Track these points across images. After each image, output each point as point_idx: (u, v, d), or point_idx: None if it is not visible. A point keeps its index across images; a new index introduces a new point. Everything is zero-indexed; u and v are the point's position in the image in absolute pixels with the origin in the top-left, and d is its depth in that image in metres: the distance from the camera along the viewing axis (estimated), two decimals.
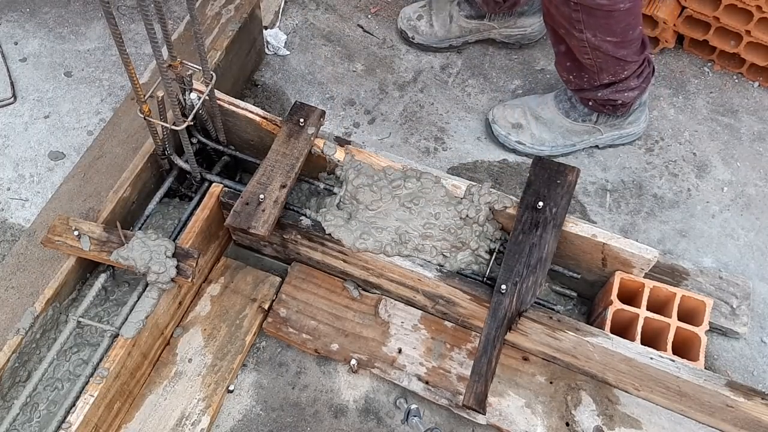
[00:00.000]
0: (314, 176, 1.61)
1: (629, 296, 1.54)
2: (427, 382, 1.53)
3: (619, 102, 1.77)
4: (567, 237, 1.48)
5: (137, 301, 1.42)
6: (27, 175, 1.85)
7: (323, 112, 1.56)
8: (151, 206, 1.61)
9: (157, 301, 1.41)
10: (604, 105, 1.79)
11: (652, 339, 1.49)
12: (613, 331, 1.46)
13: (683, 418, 1.49)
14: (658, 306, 1.53)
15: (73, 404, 1.33)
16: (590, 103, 1.81)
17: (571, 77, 1.76)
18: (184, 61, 1.41)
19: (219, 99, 1.56)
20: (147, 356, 1.48)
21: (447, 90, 2.07)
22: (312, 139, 1.52)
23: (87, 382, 1.34)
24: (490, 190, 1.50)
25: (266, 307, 1.62)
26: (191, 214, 1.58)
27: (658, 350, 1.38)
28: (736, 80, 2.10)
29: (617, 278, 1.50)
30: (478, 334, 1.59)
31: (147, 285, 1.43)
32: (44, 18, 2.15)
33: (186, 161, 1.57)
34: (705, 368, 1.45)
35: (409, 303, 1.62)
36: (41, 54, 2.07)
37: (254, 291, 1.64)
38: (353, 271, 1.59)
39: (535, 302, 1.42)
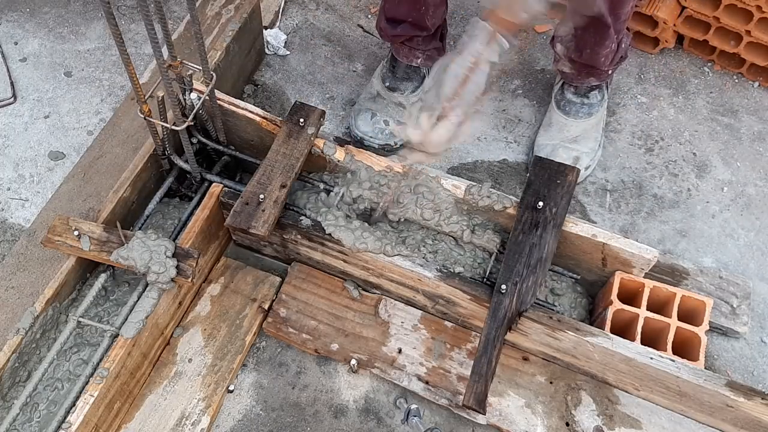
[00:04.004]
0: (314, 176, 1.61)
1: (629, 296, 1.54)
2: (427, 382, 1.53)
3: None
4: (567, 237, 1.48)
5: (137, 301, 1.42)
6: (27, 175, 1.85)
7: (323, 112, 1.56)
8: (151, 206, 1.61)
9: (157, 301, 1.41)
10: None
11: (652, 339, 1.49)
12: (613, 331, 1.46)
13: (683, 418, 1.49)
14: (658, 306, 1.53)
15: (73, 404, 1.33)
16: (612, 60, 1.69)
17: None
18: (184, 61, 1.41)
19: (219, 99, 1.56)
20: (147, 356, 1.48)
21: None
22: (312, 139, 1.52)
23: (87, 382, 1.34)
24: (490, 190, 1.50)
25: (266, 307, 1.62)
26: (191, 214, 1.58)
27: (658, 350, 1.38)
28: (736, 80, 2.10)
29: (617, 278, 1.50)
30: (478, 334, 1.59)
31: (147, 285, 1.43)
32: (44, 18, 2.15)
33: (186, 161, 1.57)
34: (705, 368, 1.45)
35: (409, 303, 1.62)
36: (41, 54, 2.07)
37: (254, 291, 1.64)
38: (353, 271, 1.59)
39: (535, 302, 1.42)
